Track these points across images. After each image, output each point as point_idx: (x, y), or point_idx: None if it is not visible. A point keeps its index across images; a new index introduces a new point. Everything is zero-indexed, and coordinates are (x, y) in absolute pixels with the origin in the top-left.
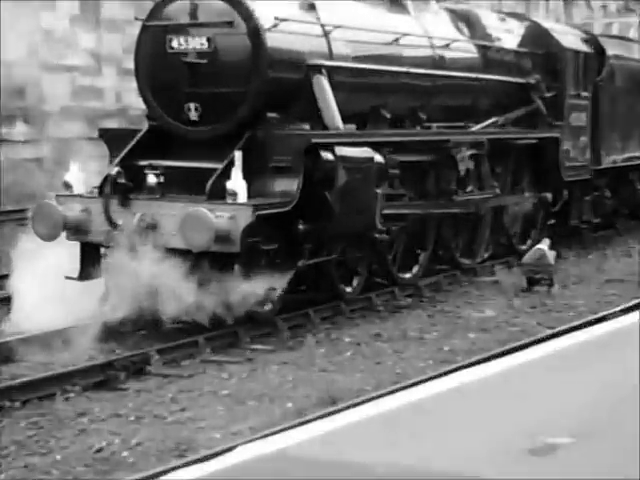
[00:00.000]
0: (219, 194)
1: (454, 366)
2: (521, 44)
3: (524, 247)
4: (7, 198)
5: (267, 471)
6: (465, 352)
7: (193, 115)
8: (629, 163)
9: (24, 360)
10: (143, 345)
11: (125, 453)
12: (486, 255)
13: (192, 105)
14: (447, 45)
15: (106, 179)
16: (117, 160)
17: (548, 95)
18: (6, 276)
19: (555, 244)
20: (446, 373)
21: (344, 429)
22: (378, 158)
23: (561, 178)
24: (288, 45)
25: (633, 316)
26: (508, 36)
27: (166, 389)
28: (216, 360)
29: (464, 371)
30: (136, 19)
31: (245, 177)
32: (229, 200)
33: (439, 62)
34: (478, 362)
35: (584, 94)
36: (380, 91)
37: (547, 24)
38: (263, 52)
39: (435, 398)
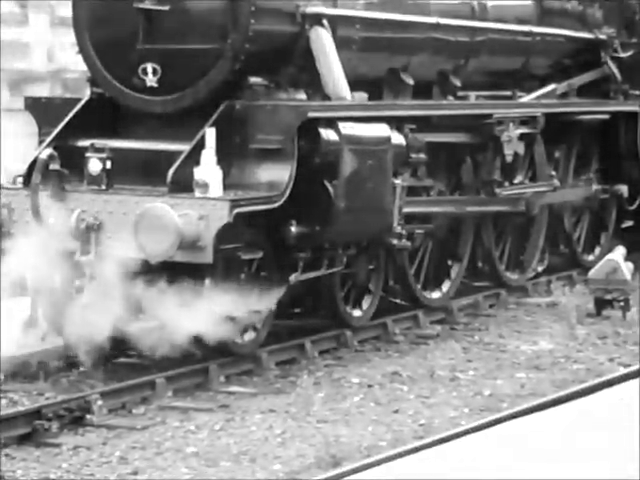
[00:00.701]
0: (185, 185)
1: (497, 416)
2: None
3: (591, 258)
4: None
5: None
6: (512, 397)
7: (150, 80)
8: None
9: None
10: (82, 387)
11: None
12: (540, 269)
13: (149, 67)
14: None
15: (34, 164)
16: (49, 140)
17: (624, 55)
18: None
19: (632, 254)
20: (486, 425)
21: None
22: (397, 139)
23: None
24: None
25: None
26: None
27: (112, 445)
28: (180, 407)
29: (510, 423)
30: None
31: (220, 163)
32: (198, 193)
33: (479, 11)
34: (529, 411)
35: None
36: (400, 49)
37: None
38: None
39: (470, 460)
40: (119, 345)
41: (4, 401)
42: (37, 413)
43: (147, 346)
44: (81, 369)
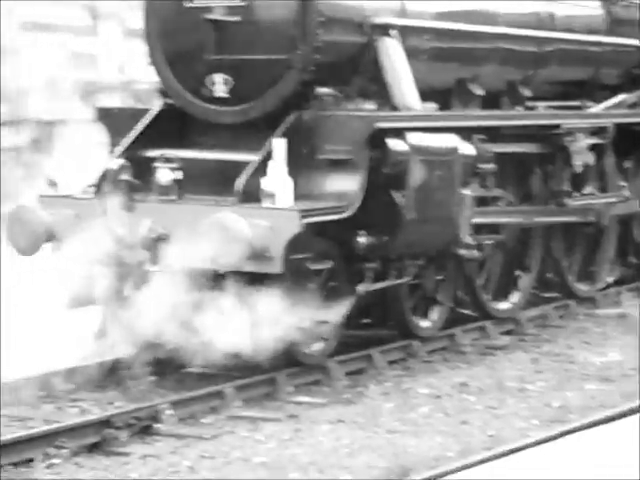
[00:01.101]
0: (254, 196)
1: (566, 428)
2: None
3: None
4: None
5: None
6: (581, 409)
7: (220, 90)
8: None
9: None
10: (152, 396)
11: None
12: (610, 280)
13: (218, 77)
14: None
15: (105, 175)
16: (120, 150)
17: None
18: None
19: None
20: (555, 437)
21: None
22: (466, 149)
23: None
24: None
25: None
26: None
27: (181, 454)
28: (248, 416)
29: (579, 434)
30: None
31: (289, 173)
32: (267, 204)
33: (548, 21)
34: (598, 423)
35: None
36: (469, 60)
37: None
38: (312, 7)
39: (539, 471)
40: (188, 355)
41: (74, 410)
42: (107, 422)
43: (216, 356)
44: (150, 378)
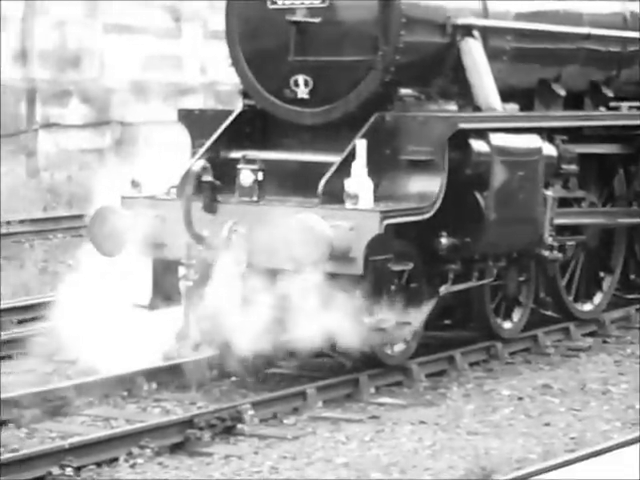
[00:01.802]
0: (336, 197)
1: None
2: None
3: None
4: (58, 200)
5: None
6: None
7: (302, 92)
8: None
9: (79, 413)
10: (234, 396)
11: None
12: None
13: (300, 79)
14: None
15: (187, 176)
16: (202, 151)
17: None
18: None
19: None
20: (638, 439)
21: None
22: (549, 150)
23: None
24: None
25: None
26: None
27: (264, 455)
28: (330, 417)
29: None
30: None
31: (370, 174)
32: (349, 205)
33: (631, 21)
34: None
35: None
36: (552, 60)
37: None
38: (395, 8)
39: (623, 474)
40: (270, 355)
41: (157, 410)
42: (189, 422)
43: (298, 357)
44: (233, 379)
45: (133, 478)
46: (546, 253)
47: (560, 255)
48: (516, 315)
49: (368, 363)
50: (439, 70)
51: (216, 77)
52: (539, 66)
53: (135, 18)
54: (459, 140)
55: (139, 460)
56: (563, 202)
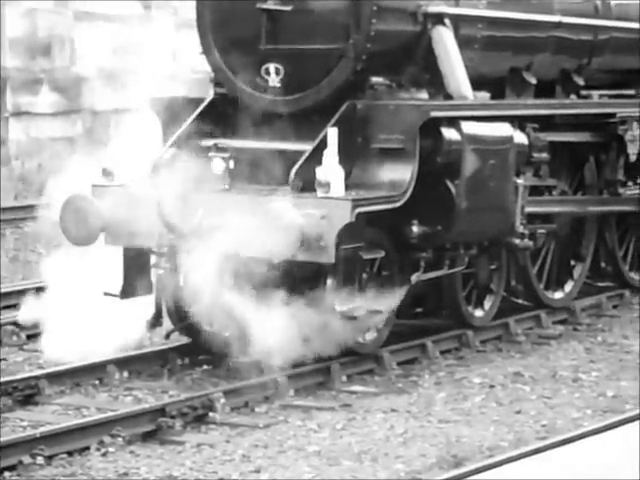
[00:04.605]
0: (307, 185)
1: (620, 417)
2: None
3: None
4: (29, 189)
5: None
6: (635, 399)
7: (273, 80)
8: None
9: (50, 402)
10: (205, 385)
11: None
12: None
13: (272, 67)
14: None
15: (158, 164)
16: (172, 139)
17: None
18: (25, 291)
19: None
20: (609, 427)
21: None
22: (520, 138)
23: None
24: None
25: None
26: None
27: (235, 443)
28: (302, 405)
29: (633, 424)
30: None
31: (341, 163)
32: (320, 193)
33: (603, 10)
34: None
35: None
36: (523, 49)
37: None
38: None
39: (593, 462)
40: (240, 344)
41: (129, 399)
42: (161, 411)
43: (269, 345)
44: (204, 367)
45: (105, 467)
46: (517, 241)
47: (531, 243)
48: (487, 303)
49: (340, 351)
50: (410, 58)
51: (187, 65)
52: (510, 54)
53: (106, 6)
54: (430, 128)
55: (110, 449)
56: (534, 190)
